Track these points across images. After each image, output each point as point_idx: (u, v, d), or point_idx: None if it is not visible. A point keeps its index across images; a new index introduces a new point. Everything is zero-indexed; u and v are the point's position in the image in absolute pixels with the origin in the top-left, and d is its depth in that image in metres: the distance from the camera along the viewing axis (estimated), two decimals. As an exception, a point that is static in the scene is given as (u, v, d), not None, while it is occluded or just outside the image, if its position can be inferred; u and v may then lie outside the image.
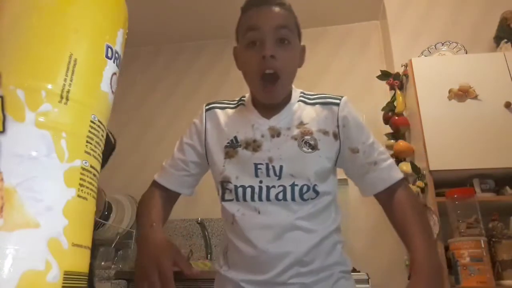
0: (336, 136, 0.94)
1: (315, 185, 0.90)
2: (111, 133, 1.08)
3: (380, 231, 2.35)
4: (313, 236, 0.88)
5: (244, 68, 0.97)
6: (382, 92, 2.65)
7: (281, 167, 0.90)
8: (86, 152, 0.44)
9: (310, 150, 0.92)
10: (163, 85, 3.32)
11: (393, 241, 2.20)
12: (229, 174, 0.93)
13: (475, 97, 2.03)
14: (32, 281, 0.36)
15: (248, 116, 0.99)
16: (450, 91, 2.05)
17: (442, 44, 2.41)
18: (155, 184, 1.04)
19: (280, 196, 0.89)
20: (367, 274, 1.96)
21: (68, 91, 0.43)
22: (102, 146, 0.49)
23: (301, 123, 0.95)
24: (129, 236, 2.76)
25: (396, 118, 2.30)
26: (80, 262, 0.42)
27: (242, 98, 1.05)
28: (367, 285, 1.92)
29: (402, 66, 2.37)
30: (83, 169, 0.44)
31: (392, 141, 2.32)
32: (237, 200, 0.91)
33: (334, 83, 2.86)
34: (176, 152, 1.04)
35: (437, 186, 1.95)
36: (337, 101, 0.98)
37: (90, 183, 0.45)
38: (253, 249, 0.86)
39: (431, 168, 1.95)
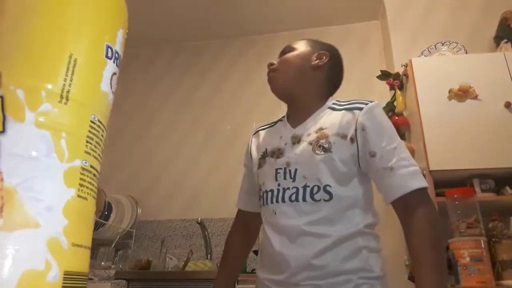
0: (352, 139, 0.94)
1: (327, 185, 0.91)
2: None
3: (380, 231, 2.35)
4: (324, 240, 0.88)
5: None
6: (382, 92, 2.65)
7: (295, 170, 0.95)
8: (86, 152, 0.44)
9: (322, 152, 0.94)
10: (163, 85, 3.32)
11: (393, 241, 2.20)
12: (260, 182, 1.04)
13: (475, 97, 2.03)
14: (32, 281, 0.36)
15: (280, 129, 1.09)
16: (450, 91, 2.05)
17: (442, 44, 2.41)
18: (237, 212, 1.22)
19: (293, 197, 0.94)
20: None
21: (68, 91, 0.43)
22: (103, 146, 0.49)
23: (320, 129, 0.99)
24: (129, 236, 2.76)
25: (396, 118, 2.30)
26: (80, 262, 0.42)
27: (282, 117, 1.15)
28: (367, 285, 1.92)
29: (402, 66, 2.37)
30: (83, 169, 0.44)
31: (392, 141, 2.31)
32: (263, 204, 1.01)
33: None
34: (243, 178, 1.21)
35: (437, 186, 1.94)
36: (362, 106, 0.96)
37: (90, 183, 0.45)
38: (272, 250, 0.93)
39: (431, 168, 1.95)
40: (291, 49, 1.08)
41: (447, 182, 1.95)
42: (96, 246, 2.53)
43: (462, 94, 2.03)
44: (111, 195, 2.71)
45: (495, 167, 1.92)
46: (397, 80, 2.36)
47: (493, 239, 1.74)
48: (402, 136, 2.32)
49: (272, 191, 0.97)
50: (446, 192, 1.85)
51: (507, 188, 1.94)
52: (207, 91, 3.21)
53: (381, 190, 0.92)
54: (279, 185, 0.96)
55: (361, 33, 3.06)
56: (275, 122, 1.16)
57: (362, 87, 2.82)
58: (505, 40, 2.31)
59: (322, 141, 0.95)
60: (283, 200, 0.94)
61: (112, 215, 2.62)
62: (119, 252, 2.62)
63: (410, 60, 2.21)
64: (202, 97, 3.20)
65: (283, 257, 0.90)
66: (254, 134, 1.19)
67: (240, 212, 1.21)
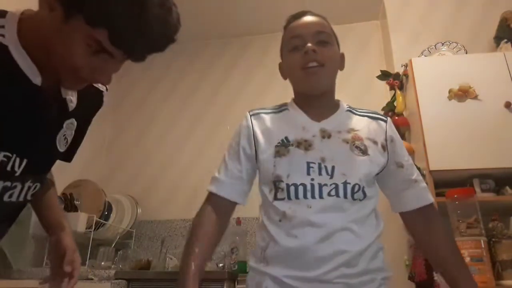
0: (384, 148, 1.00)
1: (364, 186, 0.94)
2: None
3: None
4: (362, 240, 0.90)
5: (288, 70, 1.04)
6: (382, 92, 2.65)
7: (333, 167, 0.93)
8: None
9: (361, 154, 0.96)
10: (163, 85, 3.32)
11: (393, 241, 2.20)
12: (281, 173, 0.95)
13: (475, 97, 2.03)
14: None
15: (297, 119, 1.02)
16: (450, 91, 2.05)
17: (442, 44, 2.41)
18: (211, 198, 1.02)
19: (333, 192, 0.91)
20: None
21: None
22: None
23: (352, 129, 1.00)
24: (129, 236, 2.76)
25: (396, 118, 2.30)
26: None
27: (284, 105, 1.09)
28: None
29: (402, 66, 2.37)
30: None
31: (392, 141, 2.32)
32: (289, 198, 0.93)
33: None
34: (229, 162, 1.04)
35: (437, 186, 1.95)
36: (385, 118, 1.07)
37: None
38: (300, 246, 0.88)
39: (431, 168, 1.95)
40: (327, 39, 1.02)
41: (447, 182, 1.95)
42: (96, 246, 2.53)
43: (462, 94, 2.04)
44: (111, 195, 2.71)
45: (495, 167, 1.92)
46: (397, 80, 2.36)
47: (493, 239, 1.74)
48: (402, 136, 2.32)
49: (304, 185, 0.92)
50: (446, 192, 1.85)
51: (507, 188, 1.94)
52: (207, 91, 3.21)
53: (401, 199, 1.02)
54: (312, 180, 0.92)
55: (361, 33, 3.06)
56: (278, 110, 1.08)
57: (362, 87, 2.82)
58: (505, 40, 2.31)
59: (358, 142, 0.97)
60: (320, 196, 0.91)
61: (112, 215, 2.62)
62: (119, 252, 2.62)
63: (410, 60, 2.21)
64: (202, 97, 3.20)
65: (315, 253, 0.87)
66: (252, 115, 1.07)
67: (218, 200, 1.01)
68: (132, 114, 3.23)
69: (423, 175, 2.00)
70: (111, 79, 0.74)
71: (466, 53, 2.34)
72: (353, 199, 0.92)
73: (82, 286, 1.74)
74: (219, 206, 1.00)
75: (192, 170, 2.97)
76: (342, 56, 1.08)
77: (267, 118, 1.05)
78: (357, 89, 2.78)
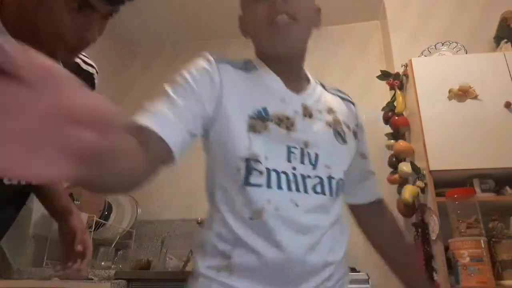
0: (355, 135, 0.89)
1: (344, 182, 0.82)
2: None
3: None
4: (342, 246, 0.80)
5: (251, 25, 0.83)
6: (382, 92, 2.65)
7: (316, 155, 0.77)
8: None
9: (341, 142, 0.83)
10: (163, 84, 3.32)
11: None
12: (255, 150, 0.72)
13: (475, 97, 2.03)
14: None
15: (273, 87, 0.80)
16: (450, 91, 2.05)
17: (442, 44, 2.41)
18: (140, 136, 0.61)
19: (318, 188, 0.75)
20: (367, 274, 1.96)
21: None
22: None
23: (331, 110, 0.85)
24: (129, 236, 2.76)
25: (396, 118, 2.30)
26: None
27: (249, 62, 0.85)
28: (367, 285, 1.92)
29: (402, 66, 2.37)
30: None
31: (392, 141, 2.32)
32: (269, 186, 0.71)
33: (334, 83, 2.85)
34: (178, 98, 0.71)
35: (437, 186, 1.95)
36: (352, 100, 0.95)
37: None
38: (283, 256, 0.69)
39: (431, 168, 1.95)
40: None
41: (447, 182, 1.95)
42: (96, 246, 2.53)
43: (462, 94, 2.04)
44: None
45: (495, 167, 1.92)
46: (397, 80, 2.36)
47: (493, 239, 1.74)
48: (402, 136, 2.32)
49: (286, 174, 0.73)
50: (446, 192, 1.85)
51: (507, 188, 1.94)
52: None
53: (360, 190, 0.95)
54: (294, 168, 0.74)
55: (361, 33, 3.06)
56: (245, 67, 0.83)
57: (362, 87, 2.82)
58: (505, 40, 2.31)
59: (339, 127, 0.84)
60: (305, 190, 0.73)
61: (112, 215, 2.62)
62: (119, 252, 2.62)
63: (410, 60, 2.21)
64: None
65: (304, 265, 0.70)
66: (218, 62, 0.79)
67: (153, 141, 0.65)
68: (131, 113, 3.22)
69: (423, 175, 2.01)
70: (96, 37, 0.76)
71: (466, 53, 2.34)
72: (337, 196, 0.79)
73: (82, 286, 1.74)
74: (152, 150, 0.63)
75: (193, 170, 2.96)
76: (318, 11, 0.88)
77: (235, 74, 0.79)
78: (357, 89, 2.78)
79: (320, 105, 0.83)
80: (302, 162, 0.75)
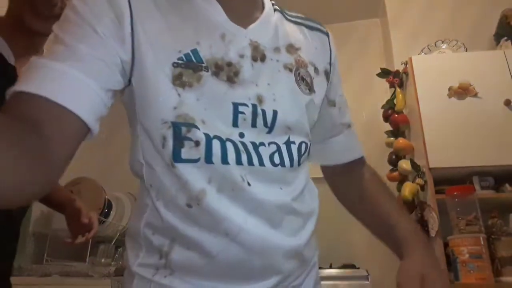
0: (327, 75, 0.70)
1: (310, 144, 0.65)
2: None
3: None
4: (310, 223, 0.64)
5: None
6: (382, 90, 2.65)
7: (274, 113, 0.58)
8: None
9: (307, 91, 0.64)
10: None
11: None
12: (191, 113, 0.54)
13: (475, 95, 2.03)
14: None
15: (209, 18, 0.59)
16: (450, 88, 2.05)
17: (442, 42, 2.41)
18: (33, 105, 0.44)
19: (276, 158, 0.58)
20: (367, 271, 1.97)
21: None
22: None
23: (292, 46, 0.65)
24: (129, 234, 2.76)
25: (396, 115, 2.30)
26: None
27: None
28: (367, 282, 1.93)
29: (402, 64, 2.37)
30: None
31: (392, 138, 2.32)
32: (209, 161, 0.53)
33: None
34: (74, 44, 0.49)
35: (436, 184, 1.95)
36: (324, 29, 0.74)
37: None
38: (235, 247, 0.54)
39: (431, 166, 1.95)
40: None
41: (447, 180, 1.96)
42: (96, 243, 2.53)
43: (462, 91, 2.04)
44: (111, 192, 2.71)
45: (494, 165, 1.92)
46: (397, 78, 2.36)
47: (492, 236, 1.75)
48: (402, 134, 2.32)
49: (232, 142, 0.55)
50: (446, 190, 1.85)
51: (507, 185, 1.95)
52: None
53: (330, 148, 0.75)
54: (242, 135, 0.56)
55: (361, 30, 3.06)
56: None
57: (362, 85, 2.82)
58: (505, 37, 2.31)
59: (303, 70, 0.64)
60: (261, 163, 0.56)
61: (112, 213, 2.62)
62: (119, 249, 2.62)
63: (410, 58, 2.21)
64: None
65: (263, 257, 0.56)
66: None
67: (60, 116, 0.45)
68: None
69: (423, 173, 2.01)
70: (65, 2, 0.81)
71: (466, 50, 2.34)
72: (299, 164, 0.62)
73: (82, 282, 1.75)
74: (51, 132, 0.44)
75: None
76: None
77: (152, 1, 0.57)
78: (358, 87, 2.78)
79: (277, 41, 0.63)
80: (254, 125, 0.57)
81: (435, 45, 2.41)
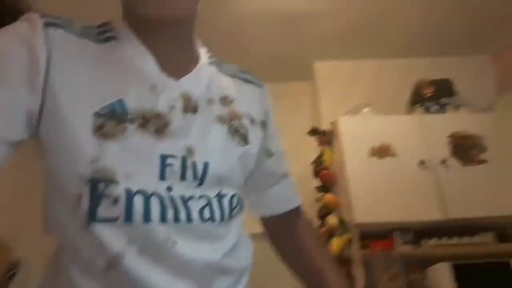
0: (264, 126, 0.70)
1: (241, 196, 0.63)
2: None
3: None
4: (243, 281, 0.61)
5: None
6: (312, 147, 2.76)
7: (206, 165, 0.56)
8: None
9: (242, 143, 0.63)
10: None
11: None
12: (112, 166, 0.50)
13: (394, 155, 2.19)
14: None
15: (140, 67, 0.56)
16: (372, 148, 2.20)
17: (365, 105, 2.61)
18: None
19: (207, 213, 0.55)
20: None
21: None
22: None
23: (227, 98, 0.64)
24: None
25: (324, 172, 2.40)
26: None
27: (106, 26, 0.59)
28: None
29: (330, 124, 2.52)
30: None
31: (321, 193, 2.39)
32: (128, 220, 0.49)
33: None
34: None
35: (363, 239, 2.01)
36: (260, 82, 0.74)
37: None
38: None
39: (356, 221, 2.02)
40: None
41: (371, 235, 2.03)
42: None
43: (382, 152, 2.19)
44: (23, 253, 2.45)
45: (413, 221, 2.04)
46: (325, 137, 2.49)
47: (413, 291, 1.81)
48: (330, 190, 2.41)
49: (158, 197, 0.51)
50: (370, 245, 1.91)
51: (425, 240, 2.06)
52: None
53: (267, 199, 0.75)
54: (169, 189, 0.52)
55: (293, 91, 3.24)
56: (98, 36, 0.57)
57: (294, 142, 2.93)
58: (419, 104, 2.57)
59: (236, 122, 0.63)
60: (189, 219, 0.53)
61: (21, 275, 2.36)
62: None
63: (337, 119, 2.36)
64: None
65: None
66: (49, 25, 0.52)
67: None
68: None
69: (349, 229, 2.07)
70: None
71: (386, 114, 2.55)
72: (231, 217, 0.59)
73: None
74: None
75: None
76: None
77: (76, 45, 0.54)
78: (290, 144, 2.87)
79: (211, 94, 0.62)
80: (184, 177, 0.54)
81: (359, 108, 2.60)
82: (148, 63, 0.57)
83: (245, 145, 0.63)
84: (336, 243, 2.13)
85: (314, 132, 2.55)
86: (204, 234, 0.55)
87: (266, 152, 0.71)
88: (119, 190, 0.49)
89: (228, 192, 0.59)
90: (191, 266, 0.52)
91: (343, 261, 2.15)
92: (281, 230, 0.77)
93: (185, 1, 0.56)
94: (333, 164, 2.43)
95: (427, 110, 2.52)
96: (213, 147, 0.58)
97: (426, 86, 2.69)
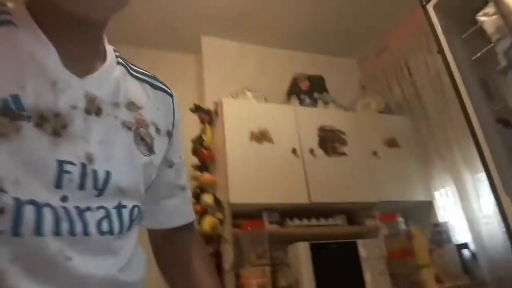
0: (169, 136, 0.67)
1: (141, 207, 0.60)
2: None
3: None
4: None
5: None
6: (194, 124, 2.73)
7: (107, 174, 0.52)
8: None
9: (147, 152, 0.60)
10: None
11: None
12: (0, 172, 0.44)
13: (270, 141, 2.33)
14: None
15: (40, 61, 0.50)
16: (252, 133, 2.29)
17: (248, 90, 2.69)
18: None
19: (105, 226, 0.51)
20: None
21: None
22: None
23: (133, 104, 0.60)
24: None
25: (204, 151, 2.40)
26: None
27: (1, 8, 0.52)
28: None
29: (213, 103, 2.52)
30: None
31: (198, 173, 2.40)
32: (16, 234, 0.44)
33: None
34: None
35: (235, 218, 2.10)
36: (169, 90, 0.71)
37: None
38: None
39: (231, 201, 2.10)
40: None
41: (244, 215, 2.13)
42: None
43: (261, 137, 2.30)
44: None
45: (280, 202, 2.21)
46: (208, 116, 2.49)
47: (276, 268, 1.98)
48: (208, 169, 2.43)
49: (51, 209, 0.46)
50: (241, 224, 2.01)
51: (288, 220, 2.26)
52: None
53: (161, 211, 0.71)
54: (65, 199, 0.48)
55: (176, 63, 3.12)
56: None
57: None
58: (295, 95, 2.77)
59: (143, 130, 0.60)
60: (85, 232, 0.49)
61: None
62: None
63: (221, 100, 2.38)
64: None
65: None
66: None
67: None
68: None
69: (223, 207, 2.14)
70: None
71: (266, 101, 2.67)
72: (129, 229, 0.57)
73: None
74: None
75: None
76: None
77: None
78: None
79: (117, 97, 0.58)
80: (82, 187, 0.49)
81: (242, 91, 2.66)
82: (50, 57, 0.51)
83: (150, 155, 0.60)
84: (208, 221, 2.17)
85: (197, 109, 2.52)
86: (101, 248, 0.52)
87: (168, 162, 0.69)
88: (5, 199, 0.43)
89: (129, 203, 0.56)
90: (87, 282, 0.49)
91: (213, 238, 2.22)
92: (171, 245, 0.74)
93: (116, 5, 0.53)
94: (213, 144, 2.45)
95: (302, 103, 2.74)
96: (117, 155, 0.54)
97: (303, 80, 2.91)
